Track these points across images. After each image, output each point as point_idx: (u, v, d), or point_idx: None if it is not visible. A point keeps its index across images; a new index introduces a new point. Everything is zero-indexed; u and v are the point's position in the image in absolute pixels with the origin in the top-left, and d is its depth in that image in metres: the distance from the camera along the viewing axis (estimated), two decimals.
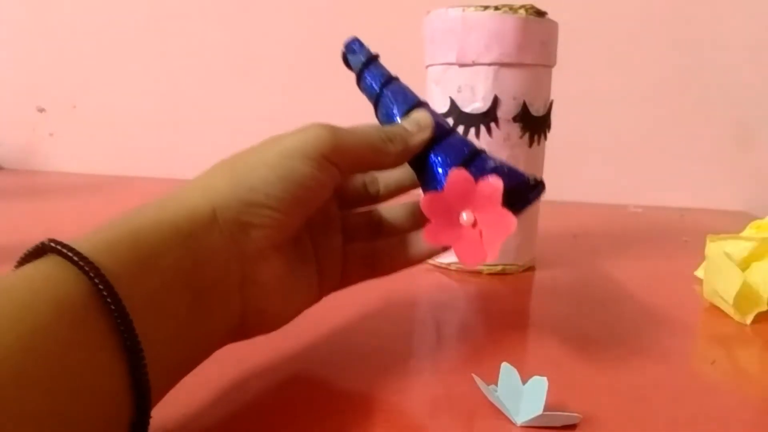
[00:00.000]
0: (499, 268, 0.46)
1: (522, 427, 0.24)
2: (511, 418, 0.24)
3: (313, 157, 0.25)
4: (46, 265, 0.19)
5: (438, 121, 0.30)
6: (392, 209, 0.33)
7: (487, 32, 0.41)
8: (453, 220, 0.27)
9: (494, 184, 0.27)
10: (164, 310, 0.20)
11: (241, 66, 0.92)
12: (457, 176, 0.27)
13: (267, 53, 0.91)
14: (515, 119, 0.43)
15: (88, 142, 0.99)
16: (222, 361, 0.24)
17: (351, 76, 0.32)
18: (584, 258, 0.51)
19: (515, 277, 0.46)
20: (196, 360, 0.23)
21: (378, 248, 0.31)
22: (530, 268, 0.48)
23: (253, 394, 0.26)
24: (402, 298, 0.40)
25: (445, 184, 0.28)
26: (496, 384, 0.25)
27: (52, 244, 0.19)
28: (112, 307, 0.18)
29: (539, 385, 0.24)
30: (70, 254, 0.18)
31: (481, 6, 0.42)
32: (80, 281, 0.18)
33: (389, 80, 0.32)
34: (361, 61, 0.32)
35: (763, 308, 0.37)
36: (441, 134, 0.30)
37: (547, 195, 0.31)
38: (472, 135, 0.43)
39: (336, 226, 0.30)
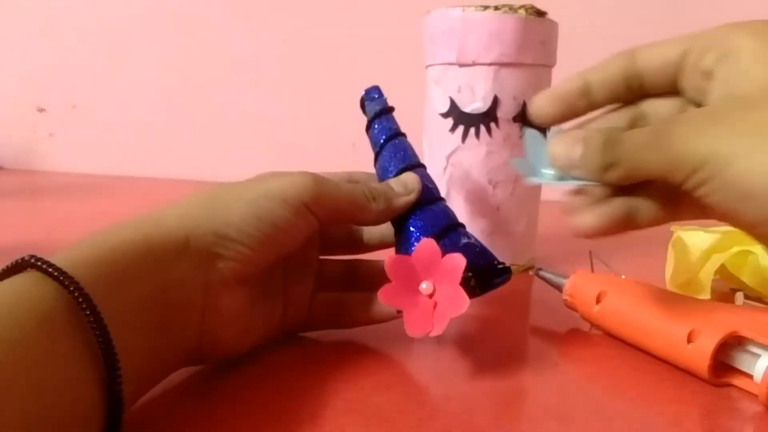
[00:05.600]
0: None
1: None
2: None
3: (292, 204, 0.26)
4: (26, 280, 0.19)
5: (428, 186, 0.31)
6: (370, 264, 0.33)
7: (487, 32, 0.41)
8: (412, 287, 0.28)
9: (457, 260, 0.27)
10: (137, 325, 0.21)
11: (241, 67, 0.92)
12: (426, 245, 0.28)
13: (266, 54, 0.91)
14: (515, 119, 0.43)
15: (88, 142, 1.00)
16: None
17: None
18: (584, 258, 0.51)
19: (515, 277, 0.45)
20: (163, 374, 0.24)
21: (345, 301, 0.31)
22: (530, 268, 0.48)
23: (251, 393, 0.26)
24: None
25: (413, 250, 0.28)
26: None
27: (33, 260, 0.19)
28: (91, 319, 0.18)
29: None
30: (50, 270, 0.19)
31: (481, 6, 0.42)
32: (60, 295, 0.19)
33: (395, 135, 0.33)
34: (375, 111, 0.33)
35: (706, 297, 0.36)
36: (427, 200, 0.31)
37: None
38: (472, 135, 0.43)
39: (311, 271, 0.31)
